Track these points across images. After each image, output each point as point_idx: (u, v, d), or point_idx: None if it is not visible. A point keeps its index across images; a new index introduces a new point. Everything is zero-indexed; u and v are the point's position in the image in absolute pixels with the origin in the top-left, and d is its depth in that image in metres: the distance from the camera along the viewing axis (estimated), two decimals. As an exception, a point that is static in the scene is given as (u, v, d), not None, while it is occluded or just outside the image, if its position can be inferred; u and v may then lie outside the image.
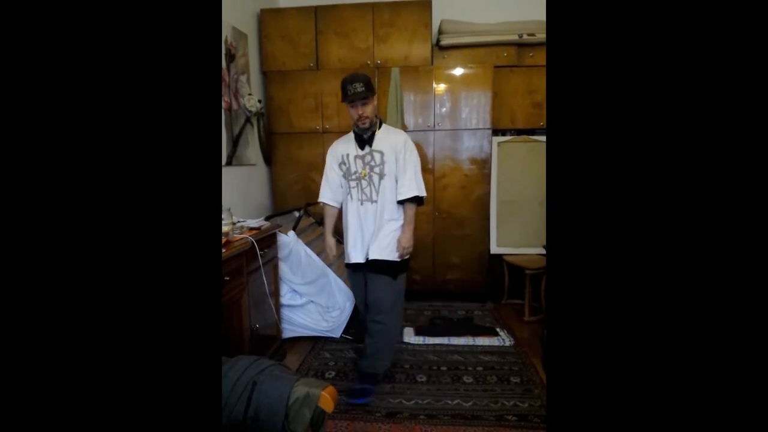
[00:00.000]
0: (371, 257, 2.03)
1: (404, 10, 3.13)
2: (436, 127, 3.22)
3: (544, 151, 3.15)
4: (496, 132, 3.30)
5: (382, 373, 2.14)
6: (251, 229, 2.12)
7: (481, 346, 2.57)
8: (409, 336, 2.69)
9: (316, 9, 3.19)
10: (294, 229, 2.61)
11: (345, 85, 1.91)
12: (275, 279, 2.40)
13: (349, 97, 1.90)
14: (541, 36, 3.17)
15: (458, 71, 3.18)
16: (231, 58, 2.77)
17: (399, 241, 2.02)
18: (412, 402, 1.99)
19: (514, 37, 3.19)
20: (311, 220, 3.18)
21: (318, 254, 2.58)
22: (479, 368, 2.31)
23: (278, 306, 2.43)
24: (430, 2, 3.13)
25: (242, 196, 2.93)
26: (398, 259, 2.03)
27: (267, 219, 2.49)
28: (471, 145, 3.22)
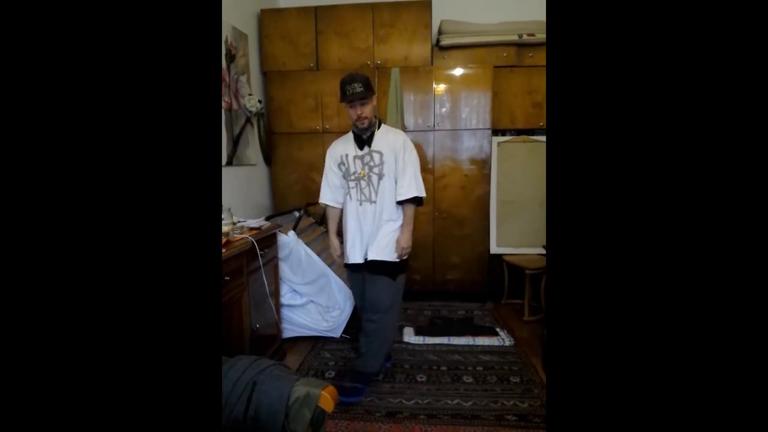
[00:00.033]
0: (370, 258, 2.03)
1: (404, 10, 3.13)
2: (436, 128, 3.22)
3: (543, 151, 3.15)
4: (496, 132, 3.30)
5: (373, 372, 2.14)
6: (251, 229, 2.12)
7: (481, 345, 2.57)
8: (409, 336, 2.69)
9: (316, 9, 3.19)
10: (294, 229, 2.61)
11: (344, 85, 1.91)
12: (275, 279, 2.40)
13: (347, 98, 1.90)
14: (541, 36, 3.17)
15: (458, 71, 3.18)
16: (231, 58, 2.78)
17: (398, 241, 2.02)
18: (412, 402, 1.99)
19: (514, 38, 3.19)
20: (311, 220, 3.18)
21: (318, 254, 2.59)
22: (479, 368, 2.31)
23: (278, 306, 2.43)
24: (430, 2, 3.13)
25: (242, 196, 2.93)
26: (397, 260, 2.03)
27: (267, 219, 2.49)
28: (471, 145, 3.22)
